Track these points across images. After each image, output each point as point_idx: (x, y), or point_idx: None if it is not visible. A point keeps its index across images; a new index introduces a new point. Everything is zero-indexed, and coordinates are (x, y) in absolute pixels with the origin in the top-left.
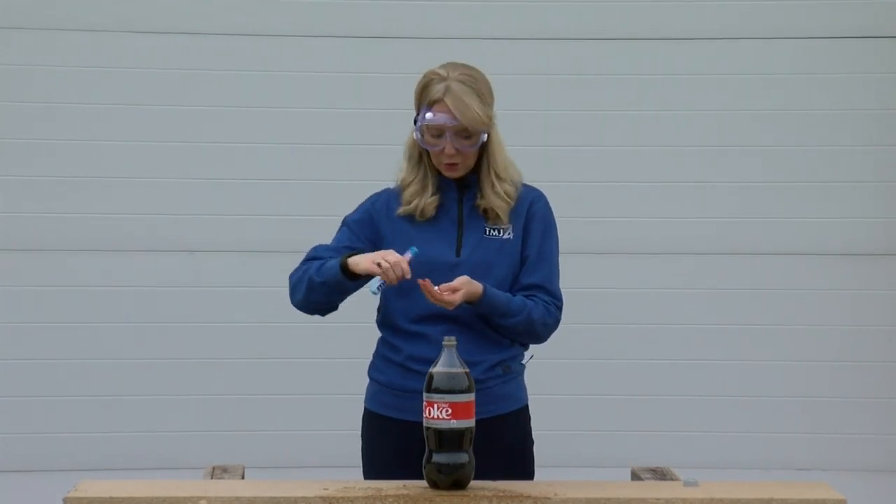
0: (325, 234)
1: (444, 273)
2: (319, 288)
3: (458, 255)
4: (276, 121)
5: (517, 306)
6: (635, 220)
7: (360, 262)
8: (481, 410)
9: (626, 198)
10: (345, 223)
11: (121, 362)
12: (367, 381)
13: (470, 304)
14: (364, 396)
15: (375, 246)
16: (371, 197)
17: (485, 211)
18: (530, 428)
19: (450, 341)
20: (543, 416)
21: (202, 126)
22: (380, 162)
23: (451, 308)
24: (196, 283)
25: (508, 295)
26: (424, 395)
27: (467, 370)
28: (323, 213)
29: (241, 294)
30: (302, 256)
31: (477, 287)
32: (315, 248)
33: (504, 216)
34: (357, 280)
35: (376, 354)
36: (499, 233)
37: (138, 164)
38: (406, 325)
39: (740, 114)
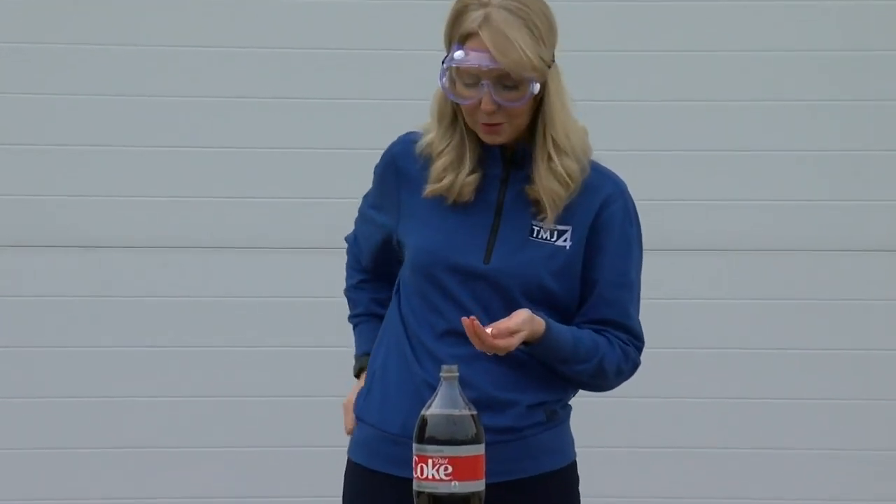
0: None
1: (462, 284)
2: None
3: (486, 260)
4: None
5: (586, 351)
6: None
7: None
8: (513, 468)
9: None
10: (363, 217)
11: None
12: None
13: (525, 344)
14: (348, 444)
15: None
16: (388, 152)
17: (535, 202)
18: (578, 492)
19: (449, 372)
20: (592, 475)
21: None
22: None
23: (501, 353)
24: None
25: (575, 331)
26: (415, 446)
27: (474, 412)
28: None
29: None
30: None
31: (539, 326)
32: (349, 241)
33: (559, 206)
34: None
35: (374, 375)
36: (551, 235)
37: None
38: (426, 338)
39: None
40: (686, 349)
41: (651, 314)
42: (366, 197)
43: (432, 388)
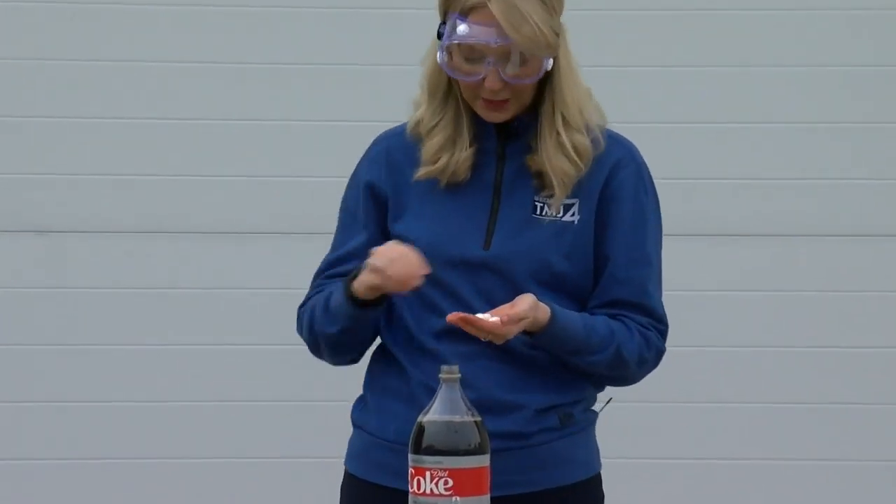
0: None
1: (462, 276)
2: (338, 337)
3: (486, 246)
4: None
5: (600, 339)
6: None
7: (361, 279)
8: (518, 480)
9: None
10: (343, 209)
11: None
12: (348, 429)
13: (527, 334)
14: (345, 454)
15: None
16: (370, 151)
17: (539, 174)
18: None
19: (450, 373)
20: (618, 488)
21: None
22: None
23: (499, 341)
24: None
25: (586, 318)
26: (411, 457)
27: (478, 418)
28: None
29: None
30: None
31: (544, 314)
32: (320, 269)
33: (568, 184)
34: (381, 305)
35: (368, 385)
36: (557, 211)
37: None
38: (425, 338)
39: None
40: (715, 348)
41: (673, 309)
42: (343, 203)
43: (431, 392)
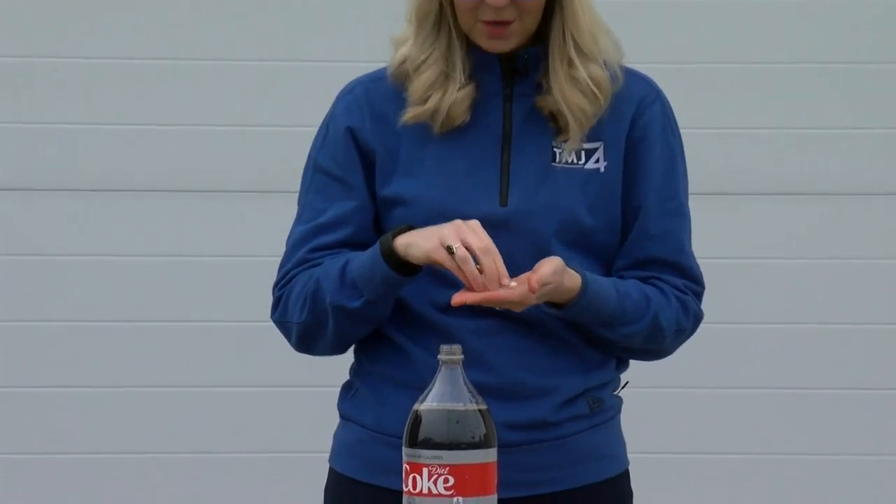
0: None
1: None
2: (358, 313)
3: (503, 202)
4: None
5: (636, 307)
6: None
7: (420, 245)
8: (545, 478)
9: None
10: (319, 169)
11: None
12: (333, 421)
13: (554, 306)
14: (330, 450)
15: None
16: (341, 99)
17: (553, 117)
18: None
19: (450, 354)
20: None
21: None
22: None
23: (518, 311)
24: None
25: (618, 283)
26: (406, 451)
27: (483, 406)
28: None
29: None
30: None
31: (573, 280)
32: (298, 240)
33: (585, 125)
34: (415, 274)
35: (357, 372)
36: (579, 158)
37: None
38: (427, 312)
39: None
40: (750, 325)
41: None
42: (316, 162)
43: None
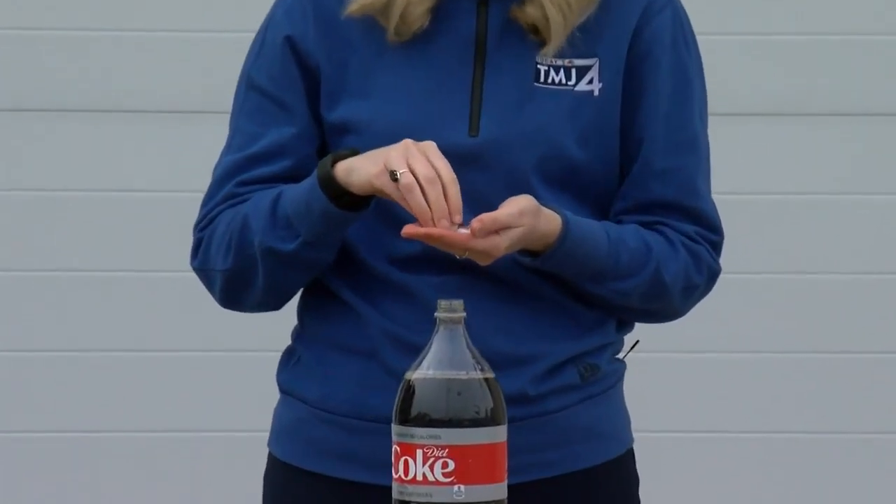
0: None
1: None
2: (294, 257)
3: (473, 131)
4: None
5: (632, 257)
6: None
7: (362, 169)
8: (536, 462)
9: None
10: (252, 87)
11: None
12: (273, 395)
13: (530, 255)
14: (269, 432)
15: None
16: (282, 1)
17: (535, 29)
18: (638, 497)
19: (450, 310)
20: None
21: None
22: None
23: (484, 263)
24: None
25: (610, 228)
26: (396, 429)
27: (490, 375)
28: None
29: None
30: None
31: (550, 223)
32: (225, 172)
33: (569, 25)
34: (361, 208)
35: (300, 337)
36: (568, 76)
37: None
38: (382, 266)
39: None
40: (775, 274)
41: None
42: (249, 78)
43: (398, 343)
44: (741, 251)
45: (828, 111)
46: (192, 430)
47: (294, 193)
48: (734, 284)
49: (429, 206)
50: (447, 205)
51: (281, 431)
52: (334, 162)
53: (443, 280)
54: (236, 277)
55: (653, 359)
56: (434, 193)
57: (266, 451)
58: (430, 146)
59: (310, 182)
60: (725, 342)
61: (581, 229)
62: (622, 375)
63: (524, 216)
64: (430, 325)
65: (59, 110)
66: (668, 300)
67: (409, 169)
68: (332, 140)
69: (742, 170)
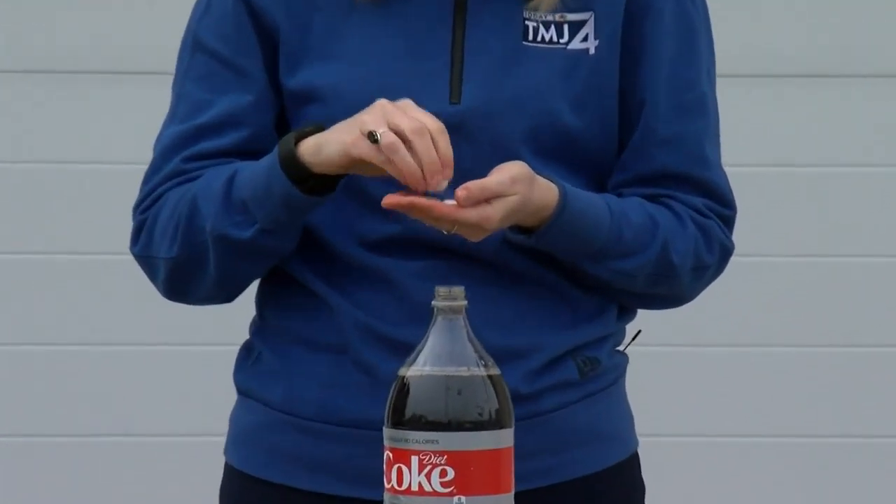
0: None
1: None
2: (252, 246)
3: (455, 97)
4: None
5: (636, 233)
6: None
7: (335, 141)
8: (534, 469)
9: None
10: (200, 48)
11: None
12: (229, 396)
13: (523, 231)
14: (226, 438)
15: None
16: None
17: None
18: (642, 502)
19: (449, 298)
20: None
21: None
22: None
23: (475, 239)
24: None
25: (611, 200)
26: (388, 433)
27: (495, 371)
28: None
29: None
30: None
31: (545, 193)
32: (170, 145)
33: None
34: (327, 192)
35: (260, 331)
36: (560, 34)
37: None
38: (352, 249)
39: None
40: (793, 258)
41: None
42: (196, 38)
43: (373, 336)
44: (753, 231)
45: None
46: (135, 434)
47: (251, 174)
48: (748, 269)
49: (418, 158)
50: (437, 158)
51: (239, 437)
52: (298, 140)
53: (423, 265)
54: (183, 267)
55: (655, 352)
56: (423, 145)
57: (221, 459)
58: (409, 103)
59: (269, 161)
60: (736, 334)
61: (580, 201)
62: (624, 370)
63: (517, 184)
64: (409, 316)
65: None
66: (676, 282)
67: (389, 128)
68: (293, 109)
69: (757, 138)
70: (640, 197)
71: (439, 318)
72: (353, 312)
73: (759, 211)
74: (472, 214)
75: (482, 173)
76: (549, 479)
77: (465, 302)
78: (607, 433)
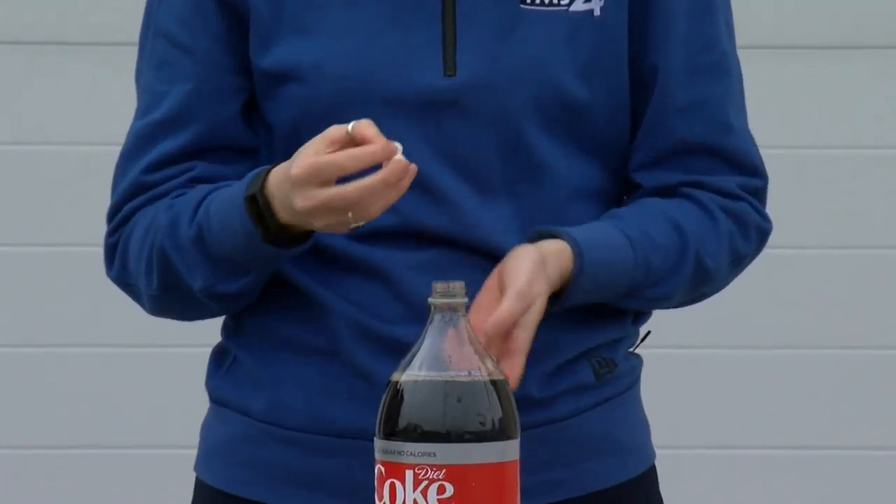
0: None
1: (410, 125)
2: (241, 292)
3: (449, 69)
4: None
5: (665, 255)
6: None
7: (313, 226)
8: (546, 482)
9: None
10: (159, 31)
11: None
12: (201, 404)
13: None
14: (197, 451)
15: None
16: None
17: None
18: None
19: (447, 295)
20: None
21: None
22: None
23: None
24: None
25: (626, 227)
26: (380, 444)
27: (498, 376)
28: None
29: None
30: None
31: (557, 264)
32: (131, 148)
33: None
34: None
35: (234, 333)
36: None
37: None
38: (343, 241)
39: None
40: (834, 249)
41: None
42: (154, 19)
43: (368, 336)
44: (786, 220)
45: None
46: (96, 447)
47: (223, 232)
48: (777, 262)
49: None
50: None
51: (214, 451)
52: (265, 198)
53: (421, 256)
54: (170, 305)
55: (667, 356)
56: (393, 194)
57: (192, 475)
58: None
59: (243, 226)
60: (758, 334)
61: (596, 249)
62: (639, 374)
63: (534, 277)
64: (407, 314)
65: None
66: (713, 284)
67: (355, 221)
68: (268, 91)
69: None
70: (660, 190)
71: (437, 317)
72: (345, 310)
73: (788, 197)
74: (518, 362)
75: (483, 153)
76: (560, 494)
77: (466, 299)
78: (625, 443)
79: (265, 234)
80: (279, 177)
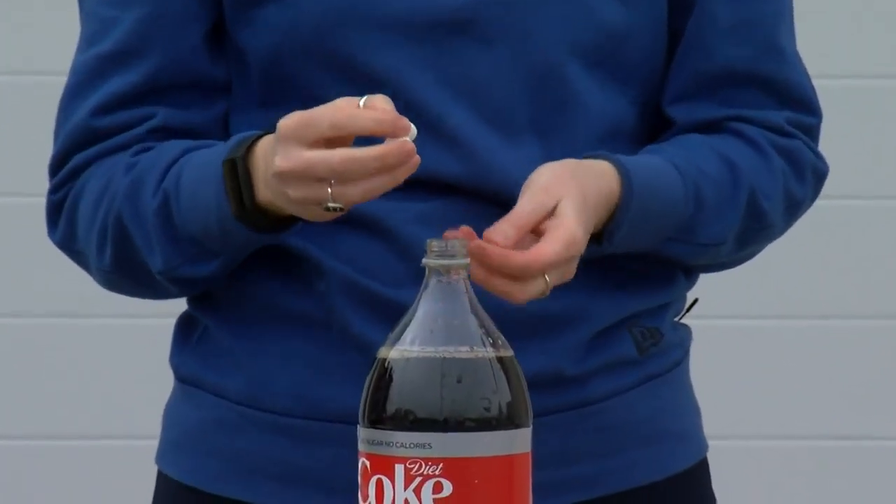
0: None
1: (415, 54)
2: (212, 276)
3: None
4: None
5: (716, 189)
6: None
7: (296, 212)
8: (579, 476)
9: None
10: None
11: None
12: (166, 386)
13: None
14: (159, 441)
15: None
16: None
17: None
18: None
19: (443, 252)
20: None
21: None
22: None
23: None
24: None
25: (675, 157)
26: (364, 433)
27: (506, 352)
28: None
29: None
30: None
31: (601, 182)
32: (75, 86)
33: None
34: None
35: (203, 299)
36: None
37: None
38: None
39: None
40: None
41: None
42: None
43: (366, 300)
44: (837, 168)
45: None
46: (46, 438)
47: (193, 202)
48: (832, 214)
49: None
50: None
51: (181, 440)
52: (247, 169)
53: (429, 208)
54: (123, 283)
55: (718, 326)
56: (384, 180)
57: (153, 468)
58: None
59: (217, 200)
60: (825, 301)
61: (641, 171)
62: (689, 347)
63: (569, 185)
64: (411, 275)
65: None
66: (767, 233)
67: (334, 198)
68: (240, 14)
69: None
70: (700, 125)
71: (432, 281)
72: (339, 269)
73: (841, 140)
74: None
75: (503, 83)
76: (597, 491)
77: (467, 260)
78: (673, 430)
79: (237, 210)
80: (267, 146)
